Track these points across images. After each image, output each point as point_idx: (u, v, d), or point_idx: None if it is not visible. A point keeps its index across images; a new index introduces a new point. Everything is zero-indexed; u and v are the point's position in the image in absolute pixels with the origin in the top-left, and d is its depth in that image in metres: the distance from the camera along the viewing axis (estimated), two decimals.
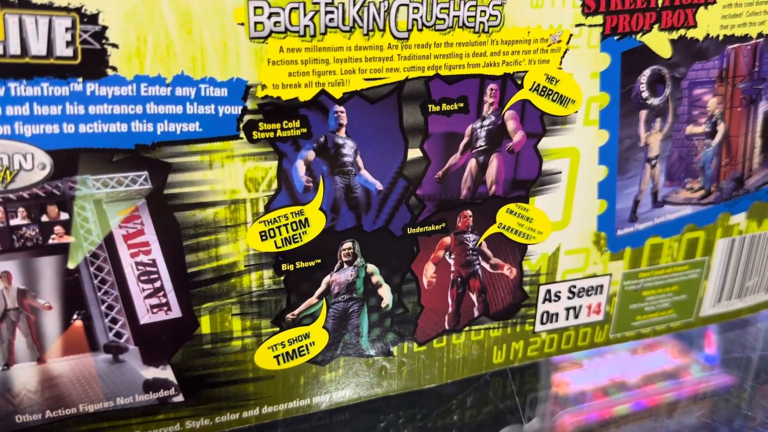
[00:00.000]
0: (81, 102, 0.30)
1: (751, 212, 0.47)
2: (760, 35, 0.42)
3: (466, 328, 0.42)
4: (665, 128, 0.42)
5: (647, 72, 0.40)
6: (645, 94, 0.40)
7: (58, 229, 0.31)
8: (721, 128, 0.43)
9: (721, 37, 0.41)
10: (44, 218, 0.31)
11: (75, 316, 0.33)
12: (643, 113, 0.41)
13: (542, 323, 0.44)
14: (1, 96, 0.28)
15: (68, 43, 0.29)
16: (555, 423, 0.41)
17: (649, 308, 0.47)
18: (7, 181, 0.30)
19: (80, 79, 0.29)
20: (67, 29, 0.29)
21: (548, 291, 0.43)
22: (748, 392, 0.44)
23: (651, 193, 0.43)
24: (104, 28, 0.29)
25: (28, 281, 0.32)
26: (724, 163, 0.44)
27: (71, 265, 0.32)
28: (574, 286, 0.44)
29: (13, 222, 0.31)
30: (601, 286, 0.44)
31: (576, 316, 0.44)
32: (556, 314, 0.44)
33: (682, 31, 0.39)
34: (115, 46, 0.29)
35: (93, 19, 0.29)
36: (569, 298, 0.44)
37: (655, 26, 0.39)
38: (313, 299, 0.37)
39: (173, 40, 0.30)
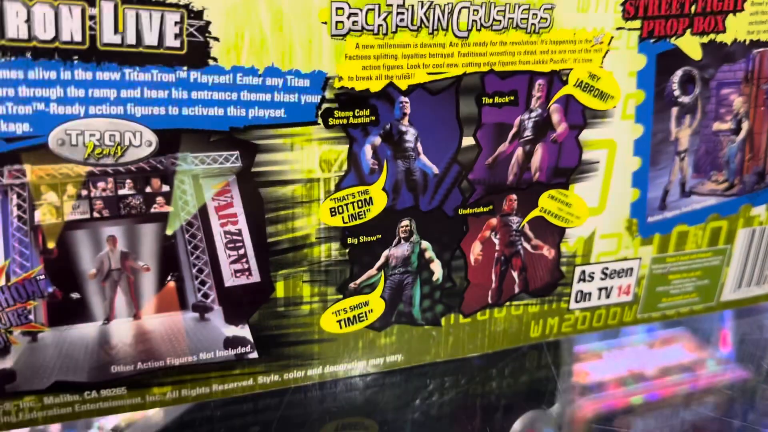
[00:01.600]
0: (185, 88, 0.34)
1: None
2: None
3: (507, 303, 0.46)
4: (694, 124, 0.45)
5: (679, 72, 0.43)
6: (677, 93, 0.44)
7: (159, 199, 0.35)
8: (745, 126, 0.47)
9: (747, 42, 0.44)
10: (148, 189, 0.35)
11: (169, 278, 0.37)
12: (675, 110, 0.44)
13: (576, 301, 0.48)
14: (117, 81, 0.33)
15: (176, 36, 0.33)
16: (576, 408, 0.44)
17: (674, 291, 0.50)
18: (118, 155, 0.34)
19: (185, 68, 0.33)
20: (175, 23, 0.33)
21: (583, 272, 0.47)
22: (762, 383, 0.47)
23: (679, 184, 0.47)
24: (208, 23, 0.33)
25: (130, 245, 0.36)
26: (747, 158, 0.48)
27: (169, 232, 0.36)
28: (607, 268, 0.47)
29: (121, 192, 0.35)
30: (631, 269, 0.48)
31: (607, 296, 0.48)
32: (589, 294, 0.48)
33: (712, 36, 0.43)
34: (216, 39, 0.33)
35: (198, 15, 0.33)
36: (602, 279, 0.47)
37: (688, 31, 0.42)
38: (373, 271, 0.41)
39: (266, 35, 0.34)
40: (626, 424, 0.42)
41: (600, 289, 0.48)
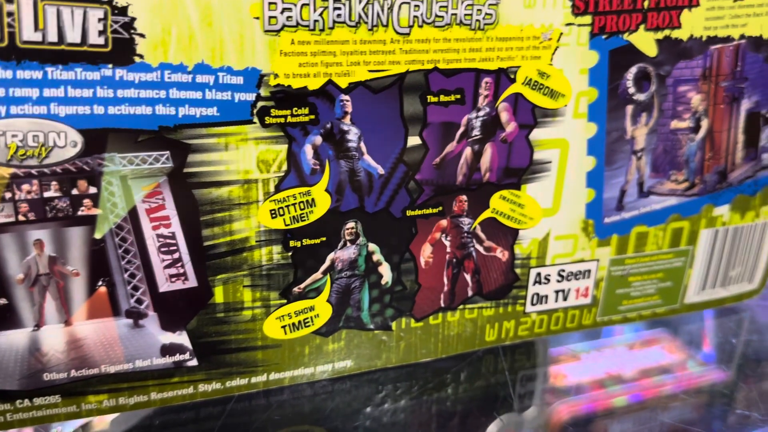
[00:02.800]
0: (110, 86, 0.32)
1: (734, 204, 0.49)
2: (742, 36, 0.44)
3: (461, 307, 0.45)
4: (650, 122, 0.44)
5: (633, 69, 0.42)
6: (631, 90, 0.43)
7: (86, 201, 0.34)
8: (704, 124, 0.46)
9: (704, 38, 0.43)
10: (74, 191, 0.34)
11: (100, 283, 0.36)
12: (630, 108, 0.43)
13: (532, 304, 0.46)
14: (39, 79, 0.31)
15: (100, 33, 0.32)
16: (551, 412, 0.43)
17: (635, 293, 0.49)
18: (42, 156, 0.33)
19: (110, 66, 0.32)
20: (99, 20, 0.31)
21: (538, 274, 0.46)
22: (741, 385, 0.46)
23: (637, 184, 0.46)
24: (133, 19, 0.32)
25: (58, 249, 0.35)
26: (707, 157, 0.47)
27: (98, 236, 0.35)
28: (563, 270, 0.46)
29: (46, 194, 0.34)
30: (589, 271, 0.47)
31: (565, 299, 0.47)
32: (546, 296, 0.47)
33: (667, 32, 0.42)
34: (142, 35, 0.32)
35: (123, 11, 0.32)
36: (558, 281, 0.46)
37: (642, 26, 0.41)
38: (318, 274, 0.40)
39: (195, 31, 0.33)
40: (604, 427, 0.41)
41: (557, 292, 0.47)
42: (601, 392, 0.45)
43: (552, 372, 0.47)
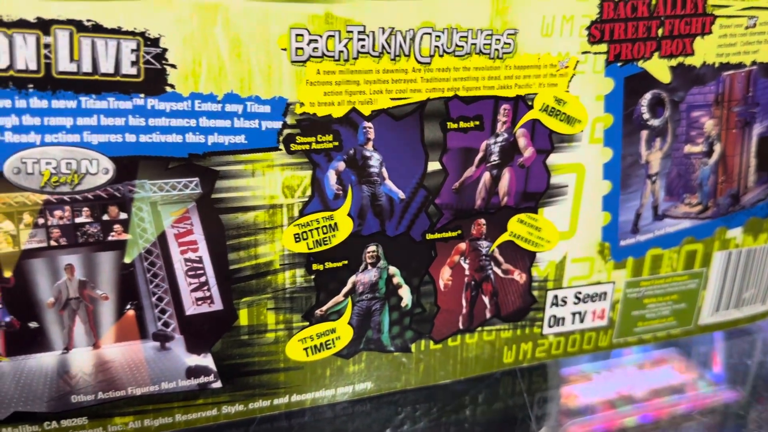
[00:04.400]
0: (142, 115, 0.33)
1: (747, 227, 0.50)
2: (753, 63, 0.45)
3: (479, 329, 0.45)
4: (665, 147, 0.45)
5: (648, 95, 0.43)
6: (646, 116, 0.44)
7: (117, 227, 0.35)
8: (717, 148, 0.47)
9: (717, 65, 0.44)
10: (105, 217, 0.35)
11: (128, 306, 0.37)
12: (644, 133, 0.44)
13: (550, 326, 0.47)
14: (73, 108, 0.32)
15: (133, 63, 0.33)
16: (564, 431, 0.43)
17: (650, 315, 0.50)
18: (75, 183, 0.34)
19: (142, 95, 0.33)
20: (132, 51, 0.33)
21: (555, 296, 0.46)
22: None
23: (652, 207, 0.46)
24: (164, 50, 0.33)
25: (88, 273, 0.36)
26: (720, 180, 0.48)
27: (127, 260, 0.36)
28: (580, 293, 0.47)
29: (78, 220, 0.35)
30: (605, 293, 0.48)
31: (581, 321, 0.48)
32: (563, 318, 0.47)
33: (680, 59, 0.43)
34: (173, 66, 0.33)
35: (155, 42, 0.33)
36: (575, 303, 0.47)
37: (656, 54, 0.42)
38: (339, 297, 0.41)
39: (225, 62, 0.34)
40: None
41: (573, 314, 0.47)
42: (613, 412, 0.45)
43: (564, 393, 0.47)
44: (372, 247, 0.40)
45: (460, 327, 0.45)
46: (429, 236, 0.41)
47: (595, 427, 0.44)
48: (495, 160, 0.41)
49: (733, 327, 0.54)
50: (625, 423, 0.44)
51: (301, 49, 0.35)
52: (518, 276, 0.45)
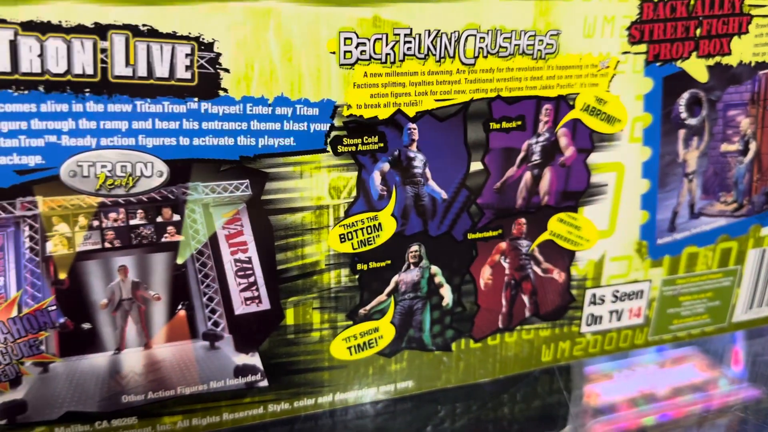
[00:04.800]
0: (196, 119, 0.34)
1: None
2: None
3: (518, 328, 0.46)
4: (702, 146, 0.46)
5: (686, 95, 0.44)
6: (684, 115, 0.44)
7: (170, 228, 0.36)
8: (753, 146, 0.47)
9: (753, 64, 0.44)
10: (159, 219, 0.35)
11: (180, 307, 0.37)
12: (682, 132, 0.45)
13: (587, 325, 0.47)
14: (129, 112, 0.33)
15: (187, 68, 0.33)
16: (587, 430, 0.44)
17: (686, 313, 0.50)
18: (130, 185, 0.34)
19: (196, 99, 0.34)
20: (186, 55, 0.33)
21: (594, 294, 0.47)
22: None
23: (688, 206, 0.47)
24: (218, 54, 0.33)
25: (141, 274, 0.36)
26: (755, 178, 0.48)
27: (180, 261, 0.36)
28: (617, 291, 0.47)
29: (132, 222, 0.35)
30: (642, 291, 0.48)
31: (618, 319, 0.48)
32: (600, 317, 0.47)
33: (717, 58, 0.43)
34: (226, 70, 0.34)
35: (209, 47, 0.33)
36: (613, 301, 0.47)
37: (694, 54, 0.43)
38: (382, 296, 0.41)
39: (276, 66, 0.34)
40: None
41: (611, 312, 0.48)
42: (635, 411, 0.45)
43: (586, 391, 0.47)
44: (414, 247, 0.41)
45: (500, 326, 0.45)
46: (470, 236, 0.42)
47: (618, 426, 0.44)
48: (536, 160, 0.41)
49: (765, 324, 0.54)
50: (645, 422, 0.44)
51: (350, 52, 0.35)
52: (557, 275, 0.45)
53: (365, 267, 0.40)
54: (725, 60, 0.44)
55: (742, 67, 0.44)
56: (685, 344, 0.52)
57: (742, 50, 0.44)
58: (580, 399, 0.46)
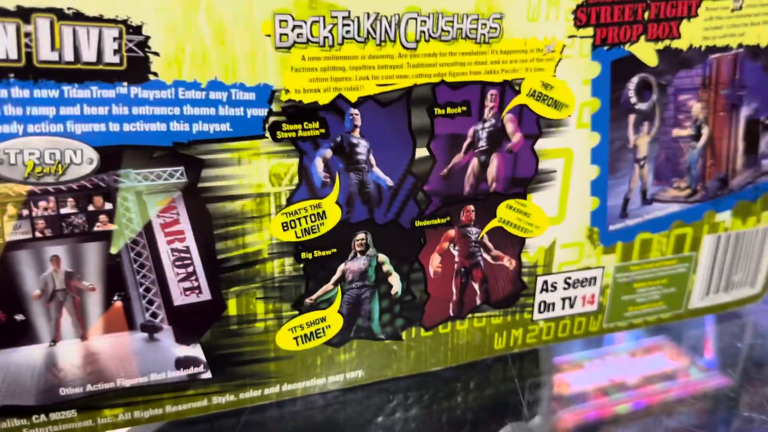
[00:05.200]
0: (125, 104, 0.33)
1: (735, 210, 0.50)
2: (740, 46, 0.45)
3: (469, 316, 0.45)
4: (653, 131, 0.45)
5: (635, 79, 0.43)
6: (633, 100, 0.44)
7: (102, 217, 0.35)
8: (705, 132, 0.47)
9: (703, 48, 0.44)
10: (90, 207, 0.34)
11: (115, 298, 0.36)
12: (632, 117, 0.44)
13: (540, 312, 0.47)
14: (56, 98, 0.32)
15: (115, 51, 0.32)
16: (556, 420, 0.43)
17: (641, 300, 0.50)
18: (59, 173, 0.33)
19: (125, 84, 0.33)
20: (114, 39, 0.32)
21: (545, 282, 0.46)
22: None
23: (640, 192, 0.46)
24: (147, 38, 0.32)
25: (74, 265, 0.35)
26: (708, 164, 0.48)
27: (113, 251, 0.35)
28: (569, 278, 0.47)
29: (63, 210, 0.34)
30: (595, 278, 0.48)
31: (571, 306, 0.48)
32: (553, 304, 0.47)
33: (667, 42, 0.43)
34: (156, 54, 0.33)
35: (137, 30, 0.32)
36: (565, 288, 0.47)
37: (642, 37, 0.42)
38: (329, 285, 0.41)
39: (208, 49, 0.33)
40: None
41: (564, 299, 0.47)
42: (605, 400, 0.45)
43: (556, 380, 0.47)
44: (361, 235, 0.40)
45: (451, 314, 0.45)
46: (418, 223, 0.41)
47: (587, 415, 0.44)
48: (483, 146, 0.41)
49: (723, 311, 0.54)
50: (617, 410, 0.44)
51: (286, 35, 0.34)
52: (508, 262, 0.45)
53: (310, 256, 0.39)
54: (675, 44, 0.43)
55: (692, 51, 0.44)
56: (657, 333, 0.52)
57: (692, 34, 0.43)
58: (547, 388, 0.46)
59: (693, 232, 0.49)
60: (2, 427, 0.36)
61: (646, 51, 0.43)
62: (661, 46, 0.43)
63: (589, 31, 0.40)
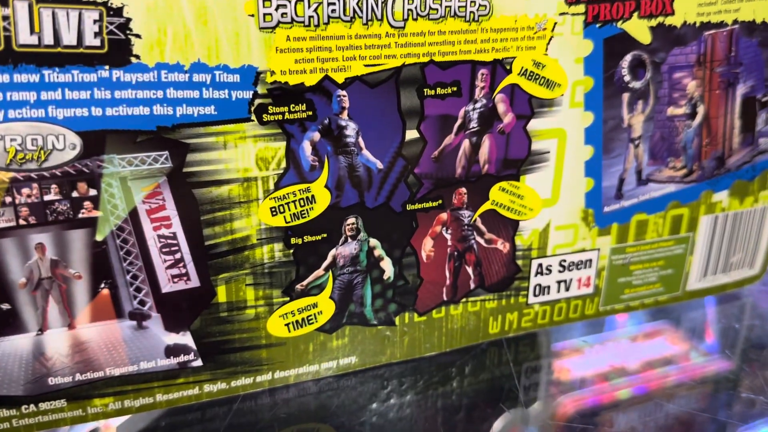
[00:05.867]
0: (108, 87, 0.32)
1: (732, 190, 0.49)
2: (735, 22, 0.44)
3: (463, 300, 0.45)
4: (647, 110, 0.45)
5: (628, 57, 0.42)
6: (627, 78, 0.43)
7: (87, 204, 0.34)
8: (701, 110, 0.46)
9: (698, 24, 0.43)
10: (74, 194, 0.34)
11: (102, 285, 0.36)
12: (626, 96, 0.43)
13: (535, 295, 0.47)
14: (36, 82, 0.31)
15: (96, 34, 0.32)
16: (555, 405, 0.43)
17: (637, 282, 0.49)
18: (42, 159, 0.33)
19: (107, 67, 0.32)
20: (95, 21, 0.32)
21: (540, 265, 0.46)
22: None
23: (635, 172, 0.46)
24: (128, 20, 0.32)
25: (60, 252, 0.35)
26: (705, 143, 0.47)
27: (99, 238, 0.35)
28: (564, 260, 0.46)
29: (46, 197, 0.34)
30: (590, 261, 0.47)
31: (567, 289, 0.47)
32: (548, 287, 0.47)
33: (660, 19, 0.42)
34: (138, 36, 0.32)
35: (118, 12, 0.32)
36: (560, 271, 0.46)
37: (635, 14, 0.41)
38: (320, 271, 0.40)
39: (190, 30, 0.33)
40: (609, 420, 0.41)
41: (559, 282, 0.47)
42: (606, 385, 0.45)
43: (553, 365, 0.47)
44: (351, 219, 0.40)
45: (444, 298, 0.44)
46: (409, 207, 0.41)
47: (588, 400, 0.43)
48: (474, 127, 0.40)
49: (721, 292, 0.54)
50: (618, 395, 0.44)
51: (269, 14, 0.34)
52: (501, 245, 0.44)
53: (300, 241, 0.39)
54: (669, 20, 0.42)
55: (686, 28, 0.43)
56: (657, 317, 0.52)
57: (686, 10, 0.43)
58: (544, 373, 0.45)
59: (690, 213, 0.49)
60: None
61: (639, 28, 0.42)
62: (654, 22, 0.42)
63: (581, 8, 0.40)
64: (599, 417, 0.41)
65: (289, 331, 0.41)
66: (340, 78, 0.36)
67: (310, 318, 0.41)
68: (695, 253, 0.50)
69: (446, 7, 0.37)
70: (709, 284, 0.52)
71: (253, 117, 0.35)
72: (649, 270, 0.49)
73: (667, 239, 0.49)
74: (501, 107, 0.40)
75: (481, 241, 0.43)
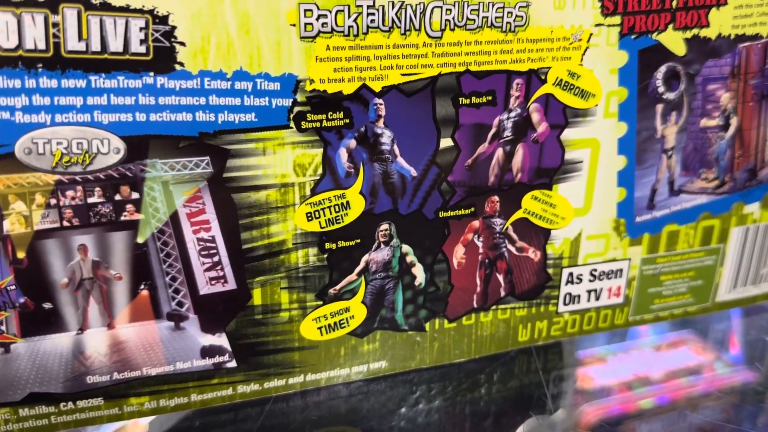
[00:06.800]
0: (152, 94, 0.33)
1: (764, 202, 0.49)
2: None
3: (494, 307, 0.45)
4: (680, 121, 0.45)
5: (663, 68, 0.43)
6: (661, 89, 0.43)
7: (129, 207, 0.35)
8: (734, 122, 0.46)
9: (732, 36, 0.43)
10: (117, 197, 0.35)
11: (142, 287, 0.37)
12: (660, 107, 0.44)
13: (565, 304, 0.47)
14: (83, 88, 0.32)
15: (141, 41, 0.32)
16: (580, 414, 0.43)
17: (667, 292, 0.49)
18: (86, 163, 0.33)
19: (151, 73, 0.33)
20: (141, 29, 0.32)
21: (570, 273, 0.46)
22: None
23: (668, 183, 0.46)
24: (173, 28, 0.33)
25: (101, 254, 0.36)
26: (737, 154, 0.47)
27: (140, 240, 0.36)
28: (595, 270, 0.46)
29: (90, 200, 0.35)
30: (621, 270, 0.47)
31: (597, 298, 0.47)
32: (578, 296, 0.47)
33: (695, 31, 0.42)
34: (182, 44, 0.33)
35: (164, 20, 0.32)
36: (590, 280, 0.46)
37: (670, 26, 0.42)
38: (353, 276, 0.41)
39: (233, 39, 0.33)
40: (632, 429, 0.41)
41: (589, 291, 0.47)
42: (629, 394, 0.45)
43: (580, 374, 0.47)
44: (384, 226, 0.40)
45: (475, 305, 0.44)
46: (442, 214, 0.41)
47: (611, 409, 0.43)
48: (508, 136, 0.41)
49: (751, 304, 0.53)
50: (641, 405, 0.44)
51: (310, 24, 0.34)
52: (533, 254, 0.44)
53: (334, 246, 0.39)
54: (703, 32, 0.42)
55: (721, 40, 0.43)
56: (682, 326, 0.51)
57: (721, 22, 0.43)
58: (571, 382, 0.46)
59: (721, 224, 0.49)
60: (31, 414, 0.37)
61: (674, 40, 0.42)
62: (689, 34, 0.42)
63: (617, 19, 0.40)
64: (622, 426, 0.41)
65: (322, 335, 0.41)
66: (377, 86, 0.37)
67: (342, 322, 0.41)
68: (725, 264, 0.50)
69: (483, 17, 0.37)
70: (738, 296, 0.52)
71: (292, 124, 0.36)
72: (680, 281, 0.49)
73: (698, 250, 0.49)
74: (535, 117, 0.41)
75: (513, 249, 0.44)
